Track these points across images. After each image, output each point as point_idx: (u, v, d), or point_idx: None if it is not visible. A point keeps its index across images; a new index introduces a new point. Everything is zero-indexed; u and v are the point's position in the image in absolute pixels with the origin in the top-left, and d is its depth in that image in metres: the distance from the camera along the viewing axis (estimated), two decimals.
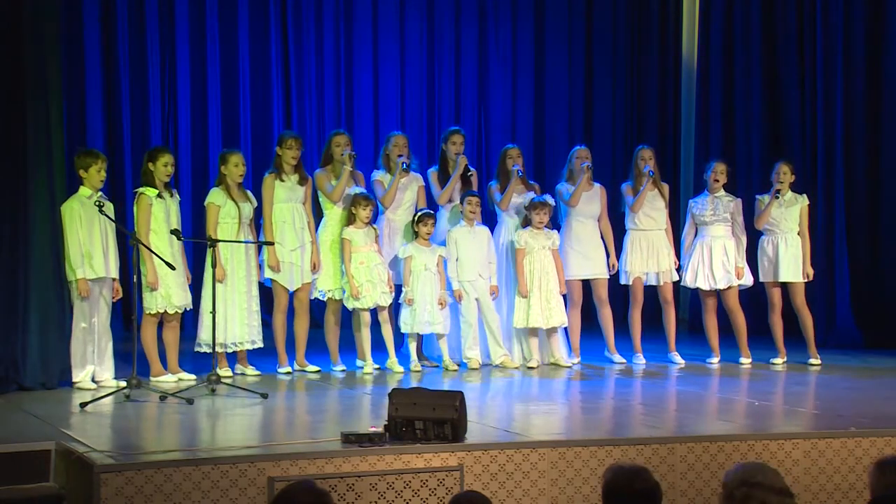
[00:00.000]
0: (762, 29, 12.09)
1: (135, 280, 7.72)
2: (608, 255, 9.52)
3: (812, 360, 9.44)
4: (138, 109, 11.66)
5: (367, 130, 12.52)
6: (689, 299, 12.16)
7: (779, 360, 9.48)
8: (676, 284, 9.66)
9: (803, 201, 9.56)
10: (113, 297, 8.13)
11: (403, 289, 9.00)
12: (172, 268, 7.83)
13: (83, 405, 7.08)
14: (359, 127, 12.44)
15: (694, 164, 13.00)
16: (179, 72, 11.84)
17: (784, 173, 9.46)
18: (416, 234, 9.04)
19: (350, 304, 8.88)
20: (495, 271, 9.23)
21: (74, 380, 7.90)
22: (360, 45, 12.65)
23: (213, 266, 7.99)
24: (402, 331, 9.01)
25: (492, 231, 9.40)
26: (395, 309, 9.19)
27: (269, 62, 12.24)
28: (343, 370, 8.86)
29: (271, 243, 8.62)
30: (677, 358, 9.46)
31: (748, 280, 9.54)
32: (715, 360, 9.53)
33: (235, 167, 8.59)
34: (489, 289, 9.16)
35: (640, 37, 13.63)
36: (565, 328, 9.34)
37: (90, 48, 11.41)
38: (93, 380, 7.94)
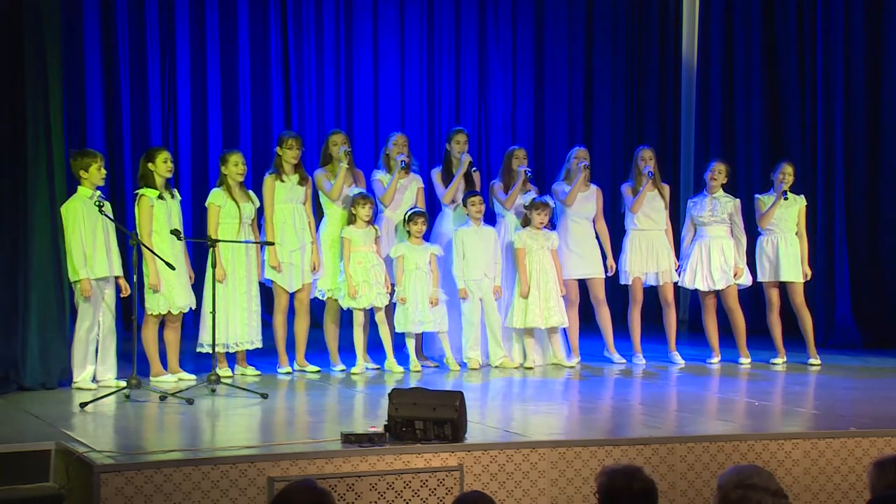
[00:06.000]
0: (762, 29, 12.09)
1: (134, 280, 7.71)
2: (605, 257, 9.53)
3: (812, 360, 9.45)
4: (138, 109, 11.66)
5: (367, 130, 12.53)
6: (689, 300, 12.17)
7: (778, 360, 9.48)
8: (676, 285, 9.66)
9: (801, 202, 9.58)
10: (122, 294, 8.13)
11: (396, 288, 9.02)
12: (172, 268, 7.83)
13: (83, 405, 7.08)
14: (359, 127, 12.45)
15: (694, 164, 13.00)
16: (179, 72, 11.84)
17: (789, 174, 9.46)
18: (408, 234, 9.05)
19: (346, 304, 8.89)
20: (500, 272, 9.24)
21: (74, 380, 7.90)
22: (360, 45, 12.66)
23: (213, 266, 8.00)
24: (397, 330, 9.02)
25: None
26: (393, 309, 9.21)
27: (269, 62, 12.24)
28: (343, 370, 8.86)
29: (272, 243, 8.61)
30: (677, 358, 9.46)
31: (747, 280, 9.53)
32: (715, 360, 9.53)
33: (235, 167, 8.59)
34: (493, 289, 9.18)
35: (640, 37, 13.64)
36: (564, 329, 9.35)
37: (90, 48, 11.41)
38: (93, 380, 7.94)
